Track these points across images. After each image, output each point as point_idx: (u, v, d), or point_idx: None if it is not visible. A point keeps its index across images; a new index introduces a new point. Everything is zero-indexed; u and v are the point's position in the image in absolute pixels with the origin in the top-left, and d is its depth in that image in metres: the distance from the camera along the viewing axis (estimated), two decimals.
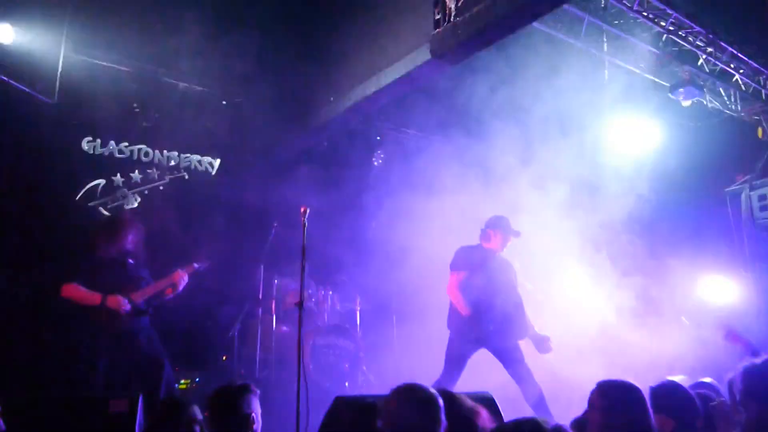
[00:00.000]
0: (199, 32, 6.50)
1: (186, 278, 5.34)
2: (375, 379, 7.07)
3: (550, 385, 5.95)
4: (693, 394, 3.24)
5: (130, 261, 5.32)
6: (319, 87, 7.42)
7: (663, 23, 6.20)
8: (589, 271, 7.11)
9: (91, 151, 7.03)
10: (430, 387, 2.68)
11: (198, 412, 3.19)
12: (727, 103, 7.61)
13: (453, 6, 5.28)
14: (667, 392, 3.18)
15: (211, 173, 7.94)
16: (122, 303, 4.98)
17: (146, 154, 7.44)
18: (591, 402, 2.89)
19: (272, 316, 7.14)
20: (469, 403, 3.11)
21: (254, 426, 3.06)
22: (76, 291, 4.97)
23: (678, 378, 4.34)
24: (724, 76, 7.01)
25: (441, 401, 2.60)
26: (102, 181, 7.08)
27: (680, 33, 6.36)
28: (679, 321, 7.17)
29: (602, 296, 7.00)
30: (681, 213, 7.78)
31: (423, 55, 5.73)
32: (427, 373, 6.12)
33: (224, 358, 7.33)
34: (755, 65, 6.86)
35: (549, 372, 6.37)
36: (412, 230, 7.40)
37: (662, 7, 6.03)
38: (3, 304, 5.81)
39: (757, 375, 2.97)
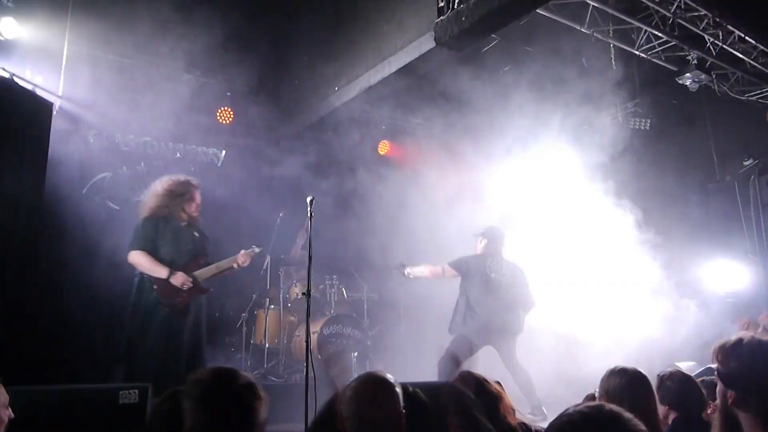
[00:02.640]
0: (204, 24, 6.49)
1: (248, 260, 5.50)
2: (383, 368, 7.09)
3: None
4: (699, 385, 3.20)
5: (196, 234, 5.44)
6: (324, 76, 7.40)
7: (669, 7, 6.14)
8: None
9: (97, 145, 7.04)
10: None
11: None
12: (735, 86, 7.54)
13: None
14: (673, 382, 3.15)
15: (216, 164, 7.95)
16: (186, 281, 5.10)
17: (152, 147, 7.45)
18: (602, 388, 2.88)
19: (279, 306, 7.17)
20: (495, 387, 3.11)
21: None
22: (142, 259, 5.10)
23: (686, 364, 4.33)
24: (732, 60, 6.93)
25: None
26: (108, 174, 7.10)
27: (687, 16, 6.29)
28: (686, 306, 7.16)
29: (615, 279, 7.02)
30: (688, 197, 7.74)
31: (427, 43, 5.70)
32: (434, 361, 6.15)
33: (232, 349, 7.38)
34: (763, 48, 6.79)
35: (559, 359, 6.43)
36: (419, 219, 7.40)
37: None
38: (10, 299, 5.84)
39: None
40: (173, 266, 5.12)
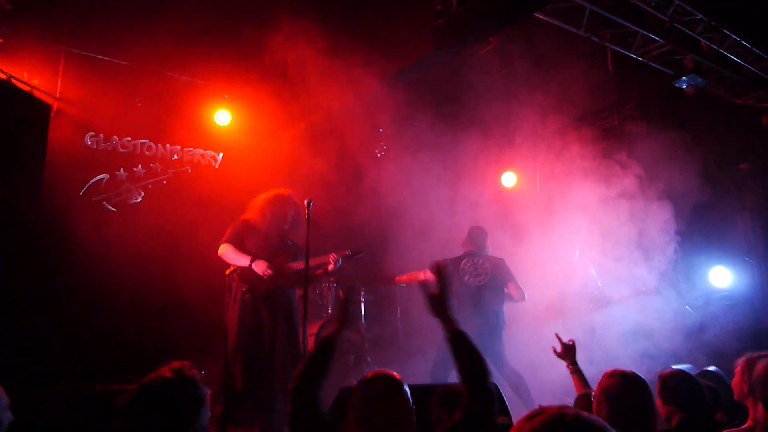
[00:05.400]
0: (201, 26, 6.49)
1: (340, 261, 5.55)
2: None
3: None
4: (703, 386, 3.15)
5: (289, 242, 5.65)
6: (322, 79, 7.40)
7: (666, 11, 6.17)
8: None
9: (94, 146, 7.04)
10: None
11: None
12: (731, 90, 7.57)
13: None
14: (677, 383, 3.10)
15: (214, 167, 7.94)
16: (267, 270, 5.27)
17: (149, 149, 7.44)
18: (600, 391, 2.84)
19: None
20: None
21: None
22: (228, 250, 5.39)
23: (683, 367, 4.35)
24: (728, 64, 6.97)
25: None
26: (105, 176, 7.08)
27: (683, 20, 6.32)
28: (682, 309, 7.18)
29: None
30: (684, 201, 7.76)
31: (425, 46, 5.72)
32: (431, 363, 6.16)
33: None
34: (759, 52, 6.82)
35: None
36: (417, 222, 7.42)
37: None
38: (7, 300, 5.84)
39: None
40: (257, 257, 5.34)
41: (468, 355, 2.49)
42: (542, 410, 1.35)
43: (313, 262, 5.42)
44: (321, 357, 2.77)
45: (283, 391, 5.16)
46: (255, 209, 5.63)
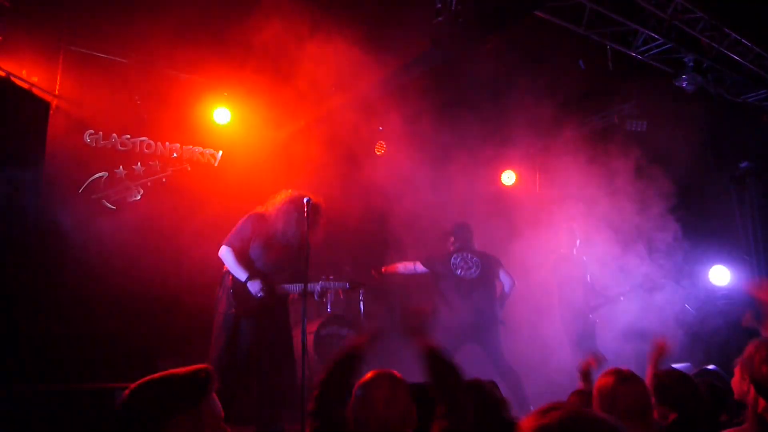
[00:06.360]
0: (200, 23, 6.47)
1: (332, 296, 5.38)
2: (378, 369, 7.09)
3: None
4: (698, 384, 3.15)
5: (296, 248, 5.26)
6: (321, 77, 7.39)
7: (666, 9, 6.16)
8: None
9: (94, 144, 7.02)
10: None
11: None
12: (731, 89, 7.56)
13: None
14: (671, 382, 3.09)
15: (213, 164, 7.93)
16: (259, 290, 5.02)
17: (148, 147, 7.43)
18: (596, 389, 2.83)
19: None
20: (498, 393, 3.09)
21: None
22: (229, 257, 5.10)
23: (681, 366, 4.35)
24: (728, 63, 6.96)
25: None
26: (104, 174, 7.07)
27: (683, 19, 6.32)
28: (681, 308, 7.18)
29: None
30: (684, 200, 7.77)
31: (424, 44, 5.71)
32: None
33: None
34: (759, 51, 6.82)
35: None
36: (415, 217, 7.42)
37: None
38: (6, 299, 5.83)
39: None
40: (256, 268, 5.12)
41: (444, 369, 2.54)
42: (558, 406, 1.32)
43: (311, 287, 5.20)
44: (346, 369, 2.77)
45: (264, 409, 5.05)
46: (276, 207, 5.25)
